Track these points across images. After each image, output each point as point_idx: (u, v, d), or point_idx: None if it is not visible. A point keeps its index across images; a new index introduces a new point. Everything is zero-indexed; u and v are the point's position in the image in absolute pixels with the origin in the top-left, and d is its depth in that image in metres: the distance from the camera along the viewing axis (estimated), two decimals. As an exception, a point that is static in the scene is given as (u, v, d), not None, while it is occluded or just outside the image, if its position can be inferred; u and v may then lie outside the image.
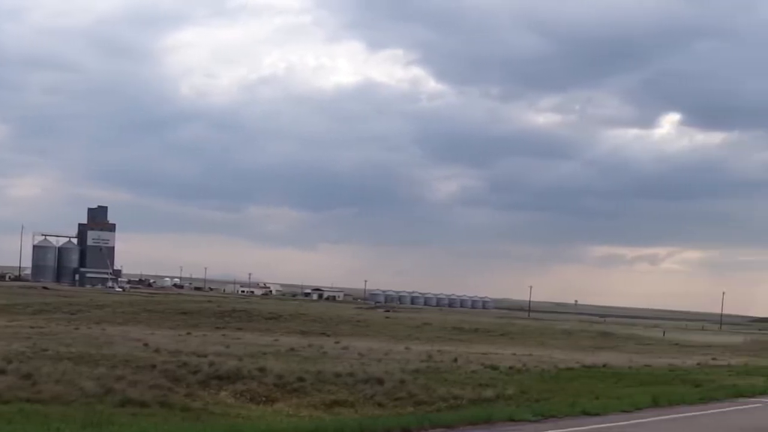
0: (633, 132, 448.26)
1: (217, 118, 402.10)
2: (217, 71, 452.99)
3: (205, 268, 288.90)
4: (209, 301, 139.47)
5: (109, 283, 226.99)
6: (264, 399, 37.66)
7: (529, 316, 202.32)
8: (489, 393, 37.42)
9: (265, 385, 39.49)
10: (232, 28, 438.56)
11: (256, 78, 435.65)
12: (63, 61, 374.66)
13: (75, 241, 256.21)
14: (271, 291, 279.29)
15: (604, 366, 54.55)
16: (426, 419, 22.86)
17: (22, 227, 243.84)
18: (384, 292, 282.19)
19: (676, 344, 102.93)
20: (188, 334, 77.41)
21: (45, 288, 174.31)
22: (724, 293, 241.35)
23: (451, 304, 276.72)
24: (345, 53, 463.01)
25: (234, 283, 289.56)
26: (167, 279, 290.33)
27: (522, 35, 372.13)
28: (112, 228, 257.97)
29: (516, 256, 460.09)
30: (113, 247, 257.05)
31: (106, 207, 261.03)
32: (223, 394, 37.89)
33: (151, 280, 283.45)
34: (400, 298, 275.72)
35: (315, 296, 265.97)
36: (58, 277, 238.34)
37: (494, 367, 50.22)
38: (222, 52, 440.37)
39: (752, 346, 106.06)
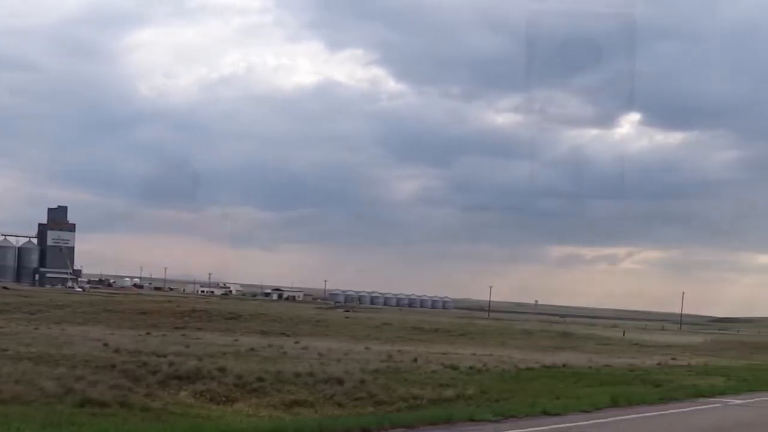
0: (593, 132, 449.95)
1: (177, 118, 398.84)
2: (177, 71, 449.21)
3: (165, 268, 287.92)
4: (169, 301, 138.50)
5: (69, 283, 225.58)
6: (224, 399, 37.54)
7: (489, 316, 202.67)
8: (449, 393, 37.46)
9: (225, 385, 39.38)
10: (191, 27, 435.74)
11: (217, 78, 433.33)
12: (24, 61, 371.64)
13: (35, 241, 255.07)
14: (231, 291, 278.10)
15: (564, 366, 54.66)
16: (386, 419, 22.83)
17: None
18: (344, 292, 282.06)
19: (636, 344, 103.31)
20: (148, 334, 76.98)
21: (5, 288, 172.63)
22: (683, 293, 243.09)
23: (411, 304, 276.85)
24: (305, 53, 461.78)
25: (194, 283, 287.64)
26: (127, 279, 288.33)
27: (481, 34, 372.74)
28: (72, 228, 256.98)
29: (476, 256, 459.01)
30: (73, 247, 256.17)
31: (66, 207, 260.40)
32: (182, 394, 37.73)
33: (111, 280, 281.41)
34: (359, 298, 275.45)
35: (275, 296, 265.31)
36: (18, 277, 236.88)
37: (454, 367, 50.25)
38: (182, 52, 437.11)
39: (712, 346, 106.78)
